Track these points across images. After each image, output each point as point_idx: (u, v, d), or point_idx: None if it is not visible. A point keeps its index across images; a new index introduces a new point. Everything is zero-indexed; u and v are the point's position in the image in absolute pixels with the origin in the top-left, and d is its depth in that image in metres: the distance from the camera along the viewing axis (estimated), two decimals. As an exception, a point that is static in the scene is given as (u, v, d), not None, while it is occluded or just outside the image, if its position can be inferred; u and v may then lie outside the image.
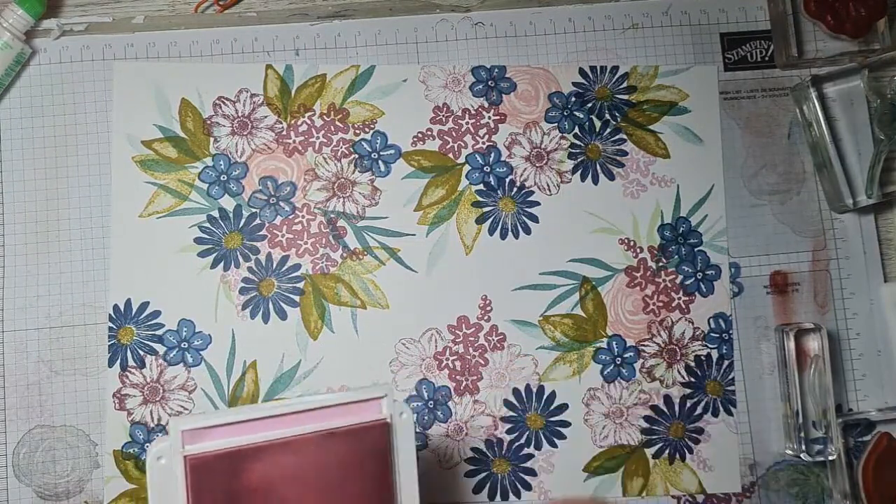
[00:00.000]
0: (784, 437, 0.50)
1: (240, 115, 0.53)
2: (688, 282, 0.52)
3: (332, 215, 0.52)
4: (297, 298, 0.51)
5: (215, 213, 0.52)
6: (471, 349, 0.52)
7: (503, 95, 0.53)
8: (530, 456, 0.51)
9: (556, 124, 0.53)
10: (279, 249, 0.52)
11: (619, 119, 0.53)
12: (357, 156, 0.53)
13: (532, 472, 0.51)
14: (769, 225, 0.53)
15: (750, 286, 0.52)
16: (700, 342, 0.52)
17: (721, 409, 0.52)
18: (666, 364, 0.52)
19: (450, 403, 0.51)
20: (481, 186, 0.53)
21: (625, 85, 0.54)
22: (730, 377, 0.52)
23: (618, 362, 0.52)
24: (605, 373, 0.52)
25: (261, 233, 0.52)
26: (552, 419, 0.51)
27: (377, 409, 0.38)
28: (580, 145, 0.53)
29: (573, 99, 0.53)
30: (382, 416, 0.38)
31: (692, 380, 0.52)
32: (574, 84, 0.53)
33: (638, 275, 0.52)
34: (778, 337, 0.51)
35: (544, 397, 0.51)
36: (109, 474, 0.50)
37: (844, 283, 0.52)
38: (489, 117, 0.53)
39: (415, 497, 0.38)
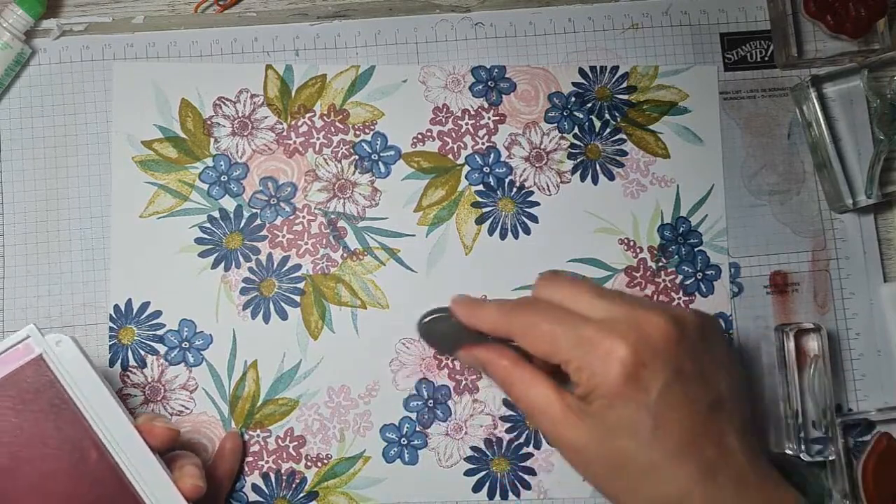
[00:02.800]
0: (784, 437, 0.51)
1: (240, 115, 0.53)
2: (688, 282, 0.52)
3: (332, 216, 0.52)
4: (297, 298, 0.52)
5: (216, 214, 0.52)
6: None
7: (503, 96, 0.53)
8: (529, 455, 0.51)
9: (555, 124, 0.53)
10: (280, 250, 0.52)
11: (618, 119, 0.53)
12: (357, 157, 0.53)
13: (531, 472, 0.51)
14: (769, 225, 0.53)
15: (750, 286, 0.52)
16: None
17: (720, 408, 0.51)
18: (666, 364, 0.52)
19: (449, 402, 0.51)
20: (481, 187, 0.53)
21: (625, 85, 0.54)
22: (729, 377, 0.52)
23: (617, 362, 0.52)
24: (605, 373, 0.52)
25: (261, 233, 0.52)
26: (552, 419, 0.51)
27: (29, 351, 0.39)
28: (580, 145, 0.53)
29: (573, 99, 0.53)
30: (33, 354, 0.39)
31: (692, 380, 0.52)
32: (574, 84, 0.53)
33: (638, 275, 0.52)
34: (778, 337, 0.51)
35: (544, 397, 0.52)
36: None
37: (844, 283, 0.53)
38: (489, 118, 0.53)
39: (112, 407, 0.39)
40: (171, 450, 0.43)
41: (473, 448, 0.51)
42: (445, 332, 0.44)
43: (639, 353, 0.38)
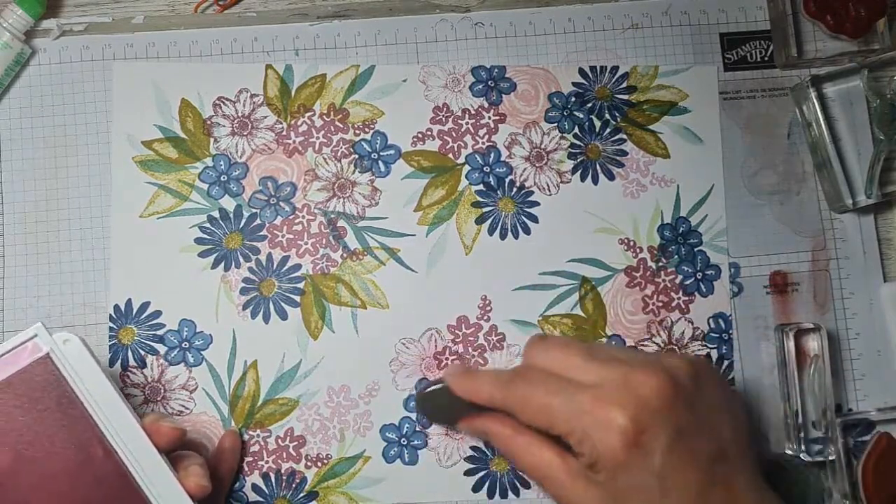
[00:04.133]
0: (784, 437, 0.51)
1: (240, 115, 0.53)
2: (687, 282, 0.52)
3: (332, 216, 0.52)
4: (297, 298, 0.52)
5: (216, 214, 0.52)
6: (470, 349, 0.52)
7: (503, 95, 0.53)
8: (530, 455, 0.51)
9: (555, 124, 0.53)
10: (279, 250, 0.52)
11: (618, 119, 0.53)
12: (357, 156, 0.53)
13: (532, 472, 0.51)
14: (769, 225, 0.53)
15: (750, 286, 0.52)
16: (700, 342, 0.52)
17: (720, 408, 0.51)
18: (665, 364, 0.52)
19: (450, 403, 0.51)
20: (481, 187, 0.53)
21: (625, 85, 0.54)
22: (729, 377, 0.52)
23: (617, 362, 0.52)
24: (605, 373, 0.51)
25: (261, 233, 0.52)
26: (552, 419, 0.51)
27: (36, 350, 0.39)
28: (580, 145, 0.53)
29: (573, 99, 0.53)
30: (41, 353, 0.39)
31: (692, 380, 0.52)
32: (574, 84, 0.53)
33: (638, 275, 0.52)
34: (777, 337, 0.51)
35: (544, 397, 0.52)
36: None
37: (844, 283, 0.53)
38: (489, 117, 0.53)
39: (118, 406, 0.40)
40: (175, 450, 0.43)
41: (473, 448, 0.51)
42: (443, 405, 0.46)
43: (638, 420, 0.38)
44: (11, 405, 0.39)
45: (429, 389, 0.47)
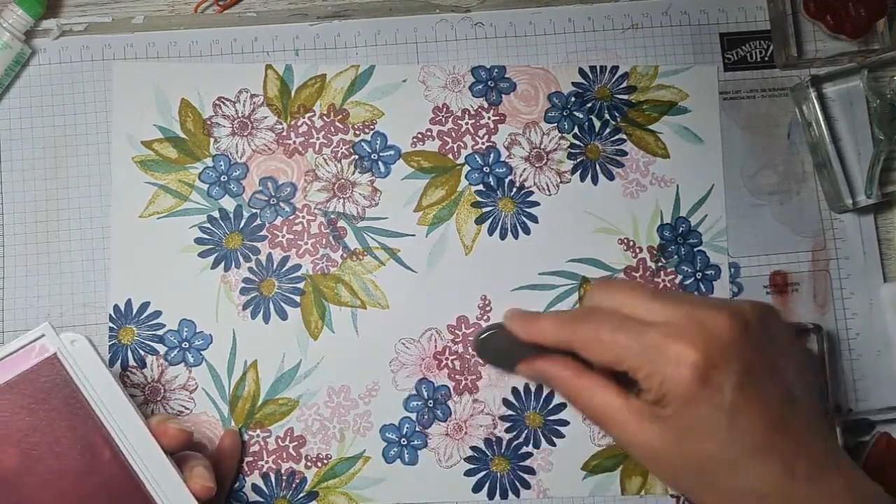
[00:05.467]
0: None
1: (240, 115, 0.53)
2: (687, 282, 0.52)
3: (332, 216, 0.52)
4: (297, 298, 0.52)
5: (216, 214, 0.52)
6: (470, 349, 0.52)
7: (503, 95, 0.53)
8: (529, 454, 0.51)
9: (555, 124, 0.53)
10: (279, 250, 0.52)
11: (618, 119, 0.53)
12: (357, 156, 0.53)
13: (531, 471, 0.51)
14: (769, 225, 0.53)
15: (749, 286, 0.52)
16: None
17: (720, 408, 0.51)
18: (665, 364, 0.52)
19: (449, 403, 0.51)
20: (481, 187, 0.53)
21: (624, 85, 0.54)
22: (729, 377, 0.52)
23: (617, 362, 0.52)
24: (605, 373, 0.52)
25: (261, 233, 0.52)
26: (551, 418, 0.51)
27: (43, 350, 0.40)
28: (580, 145, 0.53)
29: (573, 99, 0.53)
30: (48, 353, 0.39)
31: (691, 380, 0.52)
32: (574, 84, 0.53)
33: (637, 275, 0.52)
34: (777, 337, 0.51)
35: (543, 396, 0.52)
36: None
37: (844, 283, 0.53)
38: (489, 117, 0.53)
39: (125, 407, 0.40)
40: (181, 451, 0.43)
41: (473, 448, 0.51)
42: (502, 349, 0.44)
43: (708, 355, 0.38)
44: (19, 405, 0.39)
45: (487, 333, 0.44)
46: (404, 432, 0.51)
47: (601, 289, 0.42)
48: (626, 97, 0.53)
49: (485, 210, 0.53)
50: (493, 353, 0.45)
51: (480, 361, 0.49)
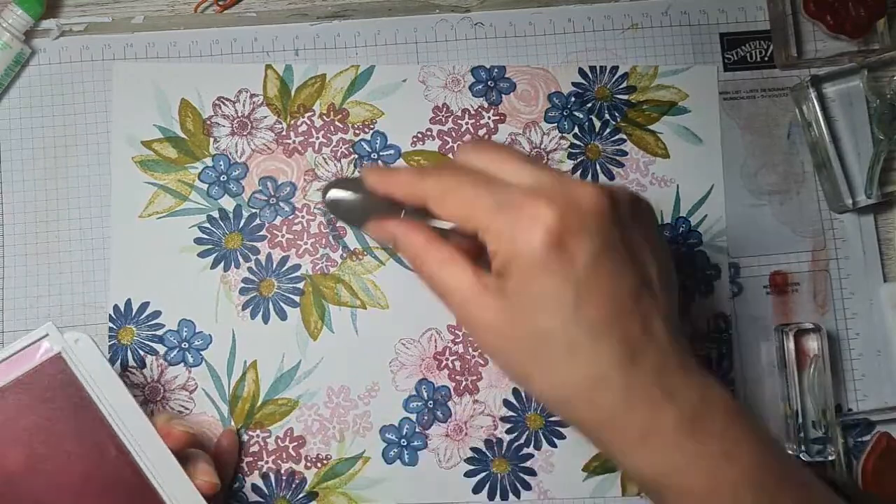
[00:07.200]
0: (784, 437, 0.50)
1: (239, 115, 0.53)
2: (687, 282, 0.52)
3: (331, 216, 0.52)
4: (297, 299, 0.52)
5: (215, 214, 0.52)
6: (470, 349, 0.52)
7: (503, 95, 0.53)
8: (530, 456, 0.51)
9: (555, 124, 0.53)
10: (279, 250, 0.52)
11: (618, 119, 0.53)
12: (357, 156, 0.53)
13: (532, 472, 0.51)
14: (769, 225, 0.53)
15: (749, 286, 0.52)
16: (699, 342, 0.52)
17: (721, 409, 0.51)
18: (665, 364, 0.52)
19: (449, 403, 0.51)
20: (481, 187, 0.53)
21: (624, 85, 0.54)
22: (729, 377, 0.52)
23: (617, 362, 0.52)
24: (605, 373, 0.51)
25: (261, 233, 0.52)
26: (552, 419, 0.51)
27: (48, 349, 0.40)
28: (580, 145, 0.53)
29: (573, 99, 0.53)
30: (52, 352, 0.39)
31: (692, 380, 0.52)
32: (574, 84, 0.53)
33: (638, 275, 0.52)
34: (777, 337, 0.51)
35: (544, 397, 0.51)
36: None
37: (844, 283, 0.53)
38: (489, 117, 0.53)
39: (130, 405, 0.40)
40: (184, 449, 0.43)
41: (473, 449, 0.51)
42: (354, 202, 0.41)
43: (566, 220, 0.35)
44: (24, 404, 0.39)
45: (340, 183, 0.41)
46: (404, 433, 0.51)
47: (472, 148, 0.39)
48: (626, 97, 0.53)
49: (485, 210, 0.52)
50: (343, 206, 0.41)
51: (325, 211, 0.45)
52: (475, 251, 0.38)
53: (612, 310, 0.35)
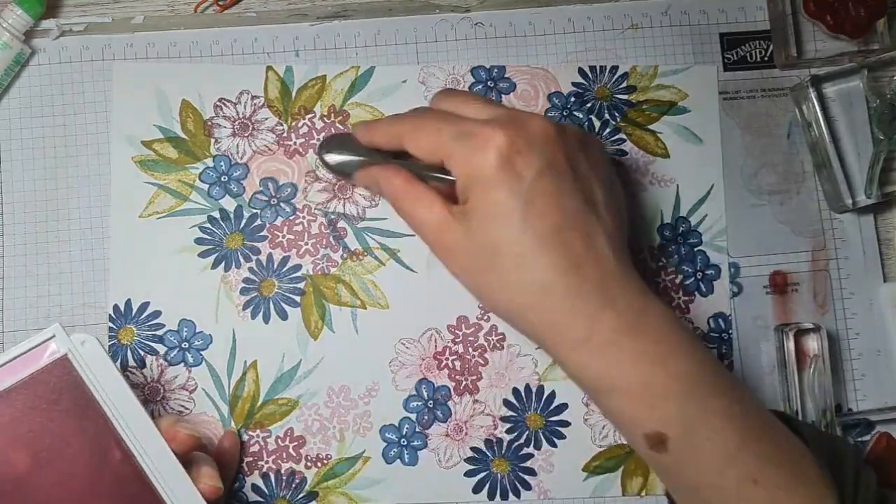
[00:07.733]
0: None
1: (241, 116, 0.53)
2: (687, 282, 0.52)
3: (332, 216, 0.52)
4: (297, 299, 0.52)
5: (216, 214, 0.52)
6: (470, 349, 0.52)
7: (502, 95, 0.53)
8: (530, 455, 0.51)
9: (555, 124, 0.53)
10: (280, 250, 0.52)
11: (618, 119, 0.53)
12: (357, 156, 0.53)
13: (532, 472, 0.51)
14: (769, 225, 0.53)
15: (749, 286, 0.52)
16: (700, 342, 0.52)
17: (720, 408, 0.51)
18: (665, 364, 0.52)
19: (449, 403, 0.51)
20: (481, 187, 0.53)
21: (624, 85, 0.54)
22: (729, 377, 0.52)
23: (617, 362, 0.52)
24: (605, 373, 0.51)
25: (261, 233, 0.52)
26: (552, 419, 0.51)
27: (54, 351, 0.40)
28: (580, 145, 0.53)
29: (572, 99, 0.53)
30: (58, 354, 0.39)
31: (692, 380, 0.52)
32: (573, 84, 0.53)
33: (638, 275, 0.52)
34: (777, 337, 0.51)
35: (544, 397, 0.52)
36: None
37: (844, 283, 0.53)
38: (489, 118, 0.53)
39: (135, 408, 0.40)
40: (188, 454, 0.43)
41: (473, 449, 0.51)
42: (347, 160, 0.48)
43: (515, 142, 0.40)
44: (29, 406, 0.39)
45: (332, 139, 0.49)
46: (404, 433, 0.51)
47: (442, 96, 0.46)
48: (625, 97, 0.53)
49: (485, 210, 0.52)
50: (337, 162, 0.49)
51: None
52: (455, 196, 0.43)
53: (557, 221, 0.40)
